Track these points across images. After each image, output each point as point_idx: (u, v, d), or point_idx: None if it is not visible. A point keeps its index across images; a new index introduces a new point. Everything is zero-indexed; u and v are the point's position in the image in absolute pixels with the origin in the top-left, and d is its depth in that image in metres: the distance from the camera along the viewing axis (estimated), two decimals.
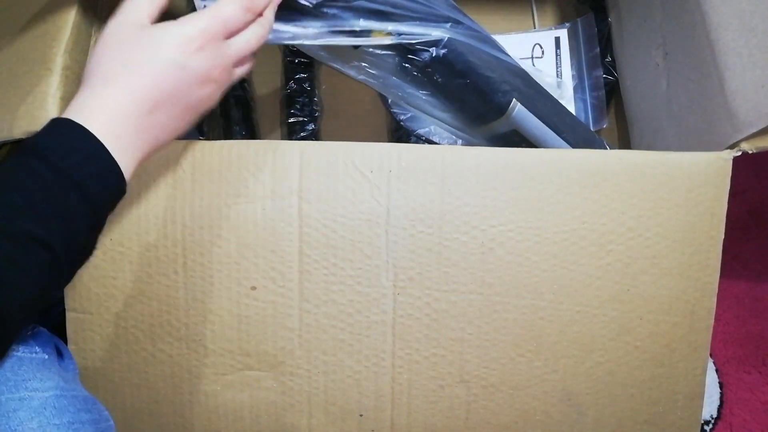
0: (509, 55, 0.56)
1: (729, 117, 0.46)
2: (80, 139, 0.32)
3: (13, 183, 0.31)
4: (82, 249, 0.34)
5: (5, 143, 0.47)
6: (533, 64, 0.71)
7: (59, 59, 0.48)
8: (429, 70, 0.51)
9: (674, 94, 0.56)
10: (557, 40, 0.72)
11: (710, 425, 0.68)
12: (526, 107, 0.54)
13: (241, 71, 0.41)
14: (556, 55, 0.72)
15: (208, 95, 0.38)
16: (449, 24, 0.50)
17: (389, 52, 0.50)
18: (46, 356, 0.39)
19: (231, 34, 0.38)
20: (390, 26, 0.48)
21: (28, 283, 0.30)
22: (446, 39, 0.50)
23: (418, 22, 0.49)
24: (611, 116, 0.71)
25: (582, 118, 0.69)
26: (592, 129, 0.69)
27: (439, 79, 0.52)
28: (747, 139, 0.45)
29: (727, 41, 0.46)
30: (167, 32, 0.35)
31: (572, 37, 0.72)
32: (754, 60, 0.44)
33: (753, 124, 0.44)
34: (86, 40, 0.52)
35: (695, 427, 0.49)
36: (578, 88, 0.70)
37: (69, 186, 0.31)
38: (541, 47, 0.72)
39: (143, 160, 0.37)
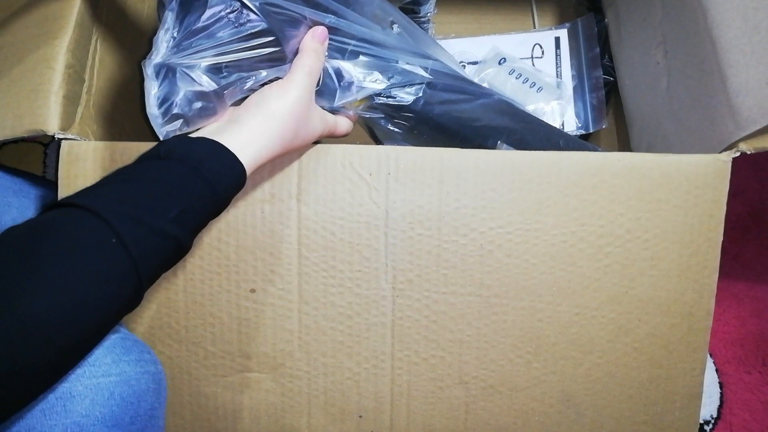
0: (492, 91, 0.55)
1: (731, 114, 0.46)
2: (229, 160, 0.39)
3: (166, 188, 0.36)
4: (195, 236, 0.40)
5: (7, 141, 0.47)
6: (533, 64, 0.71)
7: (62, 58, 0.48)
8: (413, 124, 0.51)
9: (675, 93, 0.56)
10: (557, 40, 0.72)
11: (710, 425, 0.68)
12: (513, 146, 0.54)
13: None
14: (556, 55, 0.71)
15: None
16: (428, 70, 0.50)
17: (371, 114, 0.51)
18: None
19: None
20: (367, 87, 0.48)
21: (161, 270, 0.37)
22: (421, 99, 0.50)
23: (395, 76, 0.49)
24: (610, 116, 0.71)
25: (582, 119, 0.69)
26: (591, 129, 0.69)
27: (424, 133, 0.52)
28: (748, 137, 0.45)
29: (730, 38, 0.46)
30: (321, 119, 0.46)
31: (572, 37, 0.72)
32: (758, 57, 0.44)
33: (756, 122, 0.44)
34: (88, 39, 0.52)
35: (693, 428, 0.49)
36: (578, 88, 0.70)
37: (213, 205, 0.38)
38: (541, 47, 0.72)
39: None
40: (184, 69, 0.40)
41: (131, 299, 0.34)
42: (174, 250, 0.36)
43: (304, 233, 0.46)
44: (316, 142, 0.47)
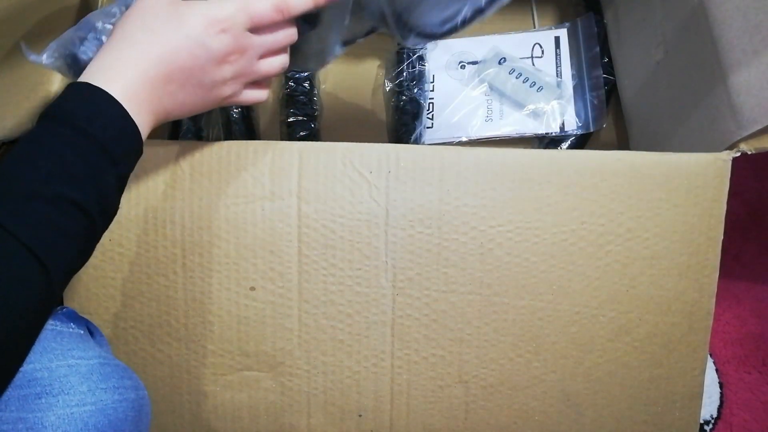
0: None
1: (732, 114, 0.46)
2: (103, 103, 0.34)
3: (45, 149, 0.32)
4: (111, 211, 0.36)
5: (7, 141, 0.47)
6: (533, 64, 0.71)
7: None
8: None
9: (675, 93, 0.56)
10: (557, 39, 0.72)
11: (710, 425, 0.68)
12: None
13: (268, 66, 0.41)
14: (556, 54, 0.71)
15: (223, 79, 0.39)
16: None
17: None
18: (82, 332, 0.41)
19: (257, 29, 0.39)
20: None
21: (70, 245, 0.32)
22: None
23: None
24: (610, 116, 0.71)
25: (582, 118, 0.69)
26: (592, 128, 0.69)
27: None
28: (749, 137, 0.45)
29: (730, 38, 0.46)
30: (194, 10, 0.37)
31: (572, 36, 0.72)
32: (759, 56, 0.44)
33: (758, 121, 0.44)
34: None
35: (694, 428, 0.49)
36: (578, 88, 0.70)
37: (97, 149, 0.33)
38: (541, 47, 0.72)
39: (153, 126, 0.38)
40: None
41: (38, 284, 0.30)
42: (67, 213, 0.32)
43: (305, 231, 0.46)
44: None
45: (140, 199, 0.46)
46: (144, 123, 0.36)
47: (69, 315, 0.42)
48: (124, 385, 0.37)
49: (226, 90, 0.40)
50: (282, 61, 0.42)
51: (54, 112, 0.34)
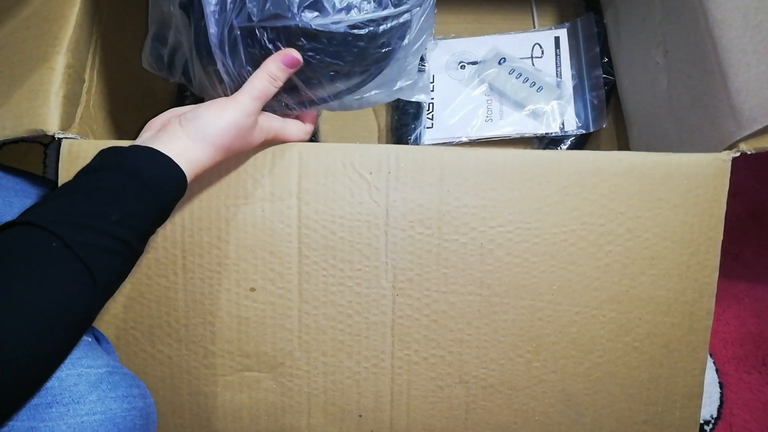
0: None
1: (732, 114, 0.46)
2: (167, 165, 0.39)
3: (116, 196, 0.37)
4: (143, 249, 0.40)
5: (7, 142, 0.47)
6: (533, 64, 0.71)
7: (61, 58, 0.48)
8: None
9: (675, 93, 0.56)
10: (557, 39, 0.72)
11: (710, 425, 0.68)
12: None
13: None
14: (556, 54, 0.71)
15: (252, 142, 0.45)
16: None
17: None
18: (90, 339, 0.42)
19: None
20: None
21: (118, 277, 0.37)
22: None
23: None
24: (610, 116, 0.71)
25: (582, 118, 0.69)
26: (592, 128, 0.69)
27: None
28: (749, 137, 0.45)
29: (731, 38, 0.46)
30: (256, 132, 0.44)
31: (572, 36, 0.72)
32: (759, 56, 0.44)
33: (758, 121, 0.44)
34: (88, 39, 0.52)
35: (694, 428, 0.49)
36: (578, 88, 0.70)
37: (154, 201, 0.38)
38: (541, 47, 0.72)
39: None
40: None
41: (87, 301, 0.34)
42: (123, 252, 0.36)
43: (305, 232, 0.46)
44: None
45: None
46: (192, 177, 0.41)
47: None
48: (133, 393, 0.38)
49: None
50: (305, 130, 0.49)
51: (125, 164, 0.38)
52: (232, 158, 0.46)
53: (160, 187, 0.38)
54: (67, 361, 0.37)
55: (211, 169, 0.43)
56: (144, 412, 0.38)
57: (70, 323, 0.33)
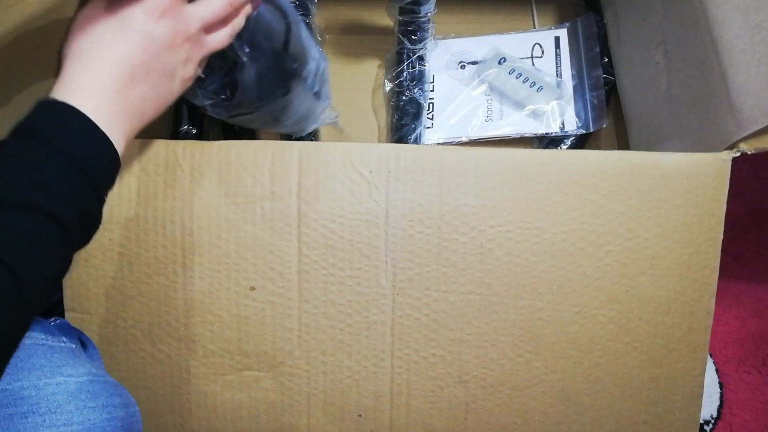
0: None
1: (732, 114, 0.46)
2: (69, 116, 0.34)
3: (16, 161, 0.32)
4: (89, 219, 0.35)
5: None
6: (533, 64, 0.71)
7: (60, 57, 0.48)
8: None
9: (675, 93, 0.56)
10: (557, 39, 0.72)
11: (710, 425, 0.68)
12: None
13: (218, 37, 0.41)
14: (556, 54, 0.71)
15: (181, 61, 0.39)
16: None
17: None
18: (74, 345, 0.41)
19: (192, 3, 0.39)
20: None
21: (44, 253, 0.31)
22: None
23: None
24: (610, 116, 0.71)
25: (582, 118, 0.69)
26: (592, 128, 0.69)
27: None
28: (749, 137, 0.45)
29: (731, 38, 0.46)
30: (129, 7, 0.37)
31: (572, 36, 0.72)
32: (759, 56, 0.44)
33: (758, 121, 0.44)
34: None
35: (694, 428, 0.49)
36: (578, 88, 0.70)
37: (71, 164, 0.33)
38: (541, 47, 0.72)
39: (133, 133, 0.38)
40: None
41: (7, 290, 0.29)
42: (38, 221, 0.31)
43: (304, 231, 0.46)
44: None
45: (140, 199, 0.46)
46: (118, 134, 0.36)
47: (61, 327, 0.41)
48: (113, 403, 0.37)
49: (187, 71, 0.40)
50: (227, 33, 0.42)
51: (26, 128, 0.33)
52: (232, 157, 0.46)
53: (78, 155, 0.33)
54: (47, 370, 0.35)
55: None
56: (125, 422, 0.37)
57: None
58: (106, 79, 0.36)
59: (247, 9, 0.42)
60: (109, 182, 0.36)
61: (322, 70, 0.54)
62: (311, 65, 0.51)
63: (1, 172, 0.31)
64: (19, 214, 0.30)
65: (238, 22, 0.42)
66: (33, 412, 0.34)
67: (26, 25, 0.51)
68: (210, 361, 0.47)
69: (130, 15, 0.37)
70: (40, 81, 0.48)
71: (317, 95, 0.55)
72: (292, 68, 0.49)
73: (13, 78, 0.48)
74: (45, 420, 0.34)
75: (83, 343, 0.45)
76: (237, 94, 0.45)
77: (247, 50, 0.44)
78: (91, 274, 0.47)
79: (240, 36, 0.44)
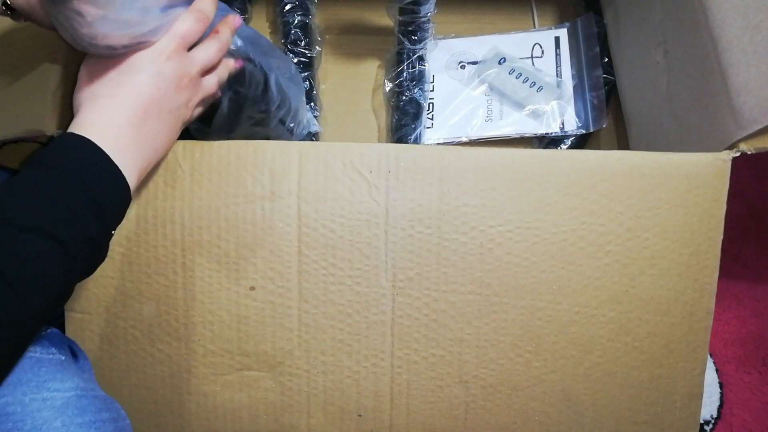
0: None
1: (732, 114, 0.46)
2: (85, 149, 0.35)
3: (28, 190, 0.33)
4: (95, 256, 0.36)
5: (7, 142, 0.47)
6: (533, 64, 0.71)
7: (60, 58, 0.48)
8: None
9: (675, 93, 0.56)
10: (557, 39, 0.72)
11: (710, 425, 0.68)
12: None
13: (211, 81, 0.44)
14: (556, 54, 0.71)
15: (185, 102, 0.42)
16: None
17: None
18: (63, 357, 0.40)
19: (192, 48, 0.42)
20: None
21: (47, 275, 0.32)
22: None
23: None
24: (610, 116, 0.71)
25: (582, 118, 0.69)
26: (592, 128, 0.69)
27: None
28: (749, 137, 0.45)
29: (731, 38, 0.46)
30: (137, 53, 0.39)
31: (572, 36, 0.72)
32: (759, 56, 0.44)
33: (758, 121, 0.44)
34: None
35: (694, 428, 0.49)
36: (578, 88, 0.70)
37: (79, 191, 0.34)
38: (541, 47, 0.72)
39: (147, 168, 0.40)
40: None
41: (10, 309, 0.30)
42: (44, 245, 0.32)
43: (304, 231, 0.46)
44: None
45: (140, 198, 0.46)
46: (131, 168, 0.38)
47: (52, 338, 0.41)
48: (102, 418, 0.36)
49: (186, 113, 0.43)
50: (218, 77, 0.45)
51: (42, 160, 0.34)
52: (232, 157, 0.46)
53: (95, 187, 0.35)
54: (33, 385, 0.35)
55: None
56: None
57: None
58: (122, 116, 0.37)
59: (230, 63, 0.46)
60: (119, 215, 0.38)
61: (296, 110, 0.59)
62: (285, 109, 0.56)
63: (16, 197, 0.32)
64: (28, 237, 0.31)
65: (223, 71, 0.45)
66: (18, 429, 0.33)
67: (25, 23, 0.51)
68: (210, 361, 0.47)
69: (140, 57, 0.39)
70: (39, 79, 0.48)
71: (291, 132, 0.60)
72: (266, 110, 0.54)
73: (13, 77, 0.48)
74: None
75: (74, 352, 0.44)
76: (213, 126, 0.49)
77: (226, 91, 0.48)
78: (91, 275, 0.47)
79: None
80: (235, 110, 0.50)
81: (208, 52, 0.43)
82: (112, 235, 0.37)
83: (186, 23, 0.41)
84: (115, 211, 0.37)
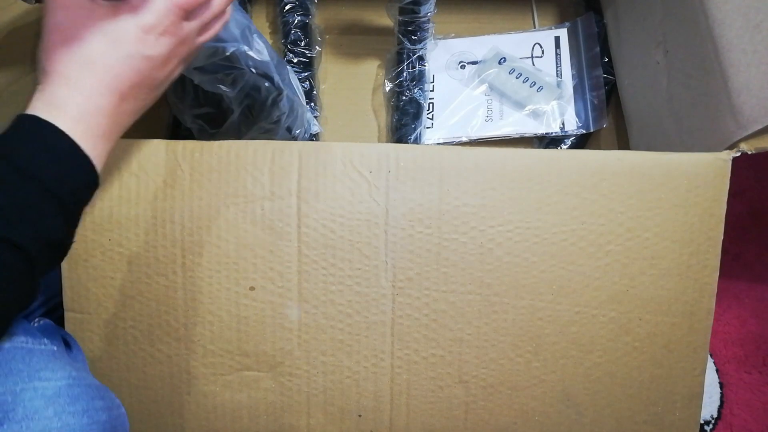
0: None
1: (733, 114, 0.46)
2: (50, 138, 0.32)
3: None
4: (57, 246, 0.33)
5: None
6: (533, 64, 0.71)
7: None
8: None
9: (675, 92, 0.56)
10: (557, 39, 0.72)
11: (710, 425, 0.68)
12: None
13: (203, 39, 0.39)
14: (556, 54, 0.71)
15: (171, 71, 0.37)
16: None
17: None
18: (55, 348, 0.39)
19: (188, 14, 0.36)
20: None
21: (11, 287, 0.30)
22: None
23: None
24: (610, 116, 0.71)
25: (582, 118, 0.69)
26: (592, 128, 0.69)
27: None
28: (749, 137, 0.45)
29: (731, 38, 0.46)
30: (122, 22, 0.34)
31: (572, 36, 0.72)
32: (759, 56, 0.44)
33: (758, 121, 0.44)
34: None
35: (694, 428, 0.49)
36: (578, 88, 0.70)
37: (36, 188, 0.31)
38: (541, 47, 0.72)
39: (115, 143, 0.37)
40: None
41: None
42: (7, 257, 0.30)
43: (304, 231, 0.46)
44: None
45: (140, 199, 0.46)
46: (100, 151, 0.34)
47: (44, 329, 0.40)
48: (95, 406, 0.36)
49: (175, 73, 0.38)
50: (215, 29, 0.40)
51: (3, 149, 0.32)
52: (232, 157, 0.46)
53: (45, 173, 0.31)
54: (24, 375, 0.34)
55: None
56: (108, 426, 0.36)
57: None
58: (97, 100, 0.34)
59: (225, 18, 0.41)
60: (84, 201, 0.35)
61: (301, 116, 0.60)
62: (292, 117, 0.56)
63: None
64: None
65: (217, 28, 0.40)
66: (9, 419, 0.33)
67: (25, 24, 0.51)
68: (210, 361, 0.47)
69: (124, 29, 0.34)
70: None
71: (295, 138, 0.60)
72: (277, 121, 0.54)
73: (13, 77, 0.48)
74: (22, 426, 0.32)
75: (67, 343, 0.44)
76: (221, 131, 0.48)
77: (238, 101, 0.48)
78: (91, 274, 0.47)
79: (234, 86, 0.46)
80: (247, 121, 0.50)
81: (206, 26, 0.38)
82: (78, 223, 0.35)
83: None
84: (81, 203, 0.34)
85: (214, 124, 0.48)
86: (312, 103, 0.68)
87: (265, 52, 0.49)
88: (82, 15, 0.33)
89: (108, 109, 0.34)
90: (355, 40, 0.74)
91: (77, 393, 0.35)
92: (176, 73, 0.39)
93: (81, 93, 0.33)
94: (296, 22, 0.68)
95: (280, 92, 0.51)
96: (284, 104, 0.53)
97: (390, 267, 0.47)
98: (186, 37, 0.37)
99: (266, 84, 0.49)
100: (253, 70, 0.46)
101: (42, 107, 0.33)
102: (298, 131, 0.59)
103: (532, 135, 0.69)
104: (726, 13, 0.47)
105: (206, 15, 0.37)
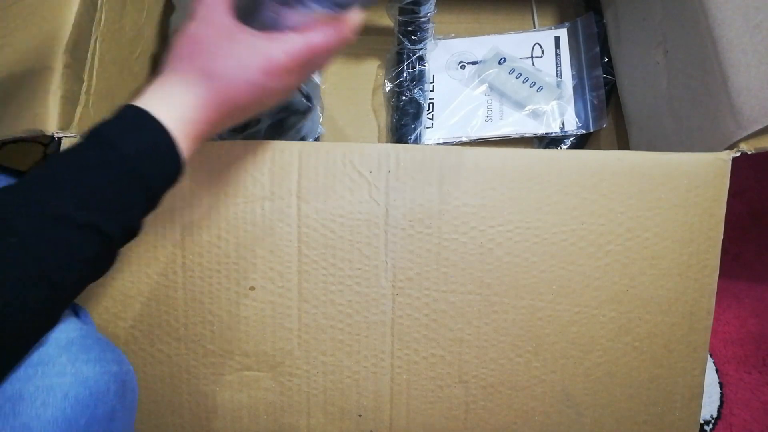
0: None
1: (733, 114, 0.46)
2: (156, 136, 0.34)
3: (83, 173, 0.33)
4: (133, 234, 0.36)
5: (7, 141, 0.47)
6: (533, 64, 0.71)
7: (60, 58, 0.48)
8: None
9: (675, 93, 0.56)
10: (557, 39, 0.72)
11: (710, 425, 0.68)
12: None
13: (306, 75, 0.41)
14: (556, 54, 0.71)
15: (279, 100, 0.40)
16: None
17: None
18: (66, 310, 0.40)
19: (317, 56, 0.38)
20: None
21: (84, 266, 0.33)
22: None
23: None
24: (610, 116, 0.71)
25: (582, 118, 0.69)
26: (592, 128, 0.69)
27: None
28: (749, 137, 0.45)
29: (731, 38, 0.46)
30: (255, 51, 0.36)
31: (572, 36, 0.72)
32: (759, 56, 0.44)
33: (758, 121, 0.44)
34: (87, 39, 0.52)
35: (694, 428, 0.49)
36: (578, 88, 0.70)
37: (137, 184, 0.34)
38: (541, 47, 0.72)
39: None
40: None
41: (42, 303, 0.31)
42: (90, 239, 0.32)
43: (304, 231, 0.46)
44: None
45: None
46: (189, 153, 0.37)
47: None
48: (106, 357, 0.37)
49: (278, 101, 0.40)
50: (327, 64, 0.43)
51: (101, 133, 0.34)
52: (232, 157, 0.46)
53: (138, 161, 0.34)
54: None
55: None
56: (119, 378, 0.37)
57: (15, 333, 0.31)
58: (206, 111, 0.36)
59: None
60: (163, 195, 0.37)
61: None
62: (308, 126, 0.58)
63: (69, 185, 0.32)
64: (77, 231, 0.32)
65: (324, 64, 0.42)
66: (25, 364, 0.34)
67: (24, 24, 0.51)
68: (210, 361, 0.47)
69: (256, 59, 0.36)
70: (39, 79, 0.48)
71: (303, 138, 0.61)
72: (302, 138, 0.55)
73: (13, 77, 0.48)
74: (37, 371, 0.34)
75: (75, 311, 0.45)
76: (241, 137, 0.49)
77: (273, 113, 0.48)
78: None
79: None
80: (274, 133, 0.49)
81: (324, 64, 0.40)
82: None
83: (326, 36, 0.37)
84: (163, 194, 0.37)
85: (233, 131, 0.48)
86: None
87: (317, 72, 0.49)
88: (222, 33, 0.36)
89: (212, 120, 0.37)
90: (355, 40, 0.74)
91: (89, 344, 0.36)
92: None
93: (195, 99, 0.36)
94: None
95: (310, 108, 0.51)
96: (313, 120, 0.53)
97: (390, 267, 0.47)
98: (306, 76, 0.39)
99: (303, 99, 0.49)
100: (303, 88, 0.46)
101: (155, 102, 0.35)
102: (310, 138, 0.59)
103: (532, 135, 0.69)
104: (726, 13, 0.47)
105: (323, 61, 0.40)
